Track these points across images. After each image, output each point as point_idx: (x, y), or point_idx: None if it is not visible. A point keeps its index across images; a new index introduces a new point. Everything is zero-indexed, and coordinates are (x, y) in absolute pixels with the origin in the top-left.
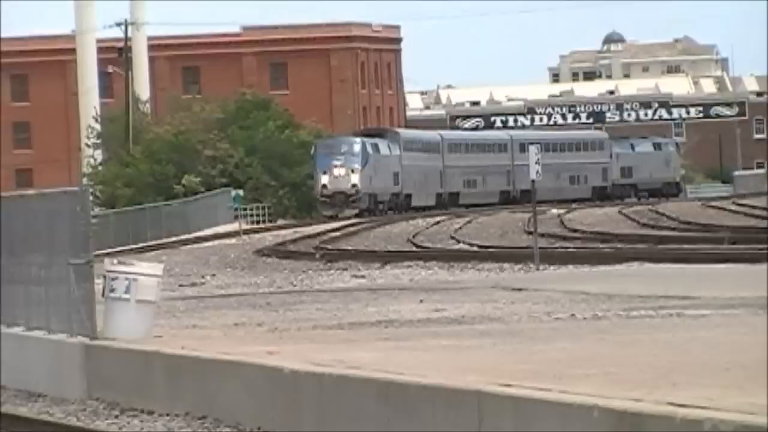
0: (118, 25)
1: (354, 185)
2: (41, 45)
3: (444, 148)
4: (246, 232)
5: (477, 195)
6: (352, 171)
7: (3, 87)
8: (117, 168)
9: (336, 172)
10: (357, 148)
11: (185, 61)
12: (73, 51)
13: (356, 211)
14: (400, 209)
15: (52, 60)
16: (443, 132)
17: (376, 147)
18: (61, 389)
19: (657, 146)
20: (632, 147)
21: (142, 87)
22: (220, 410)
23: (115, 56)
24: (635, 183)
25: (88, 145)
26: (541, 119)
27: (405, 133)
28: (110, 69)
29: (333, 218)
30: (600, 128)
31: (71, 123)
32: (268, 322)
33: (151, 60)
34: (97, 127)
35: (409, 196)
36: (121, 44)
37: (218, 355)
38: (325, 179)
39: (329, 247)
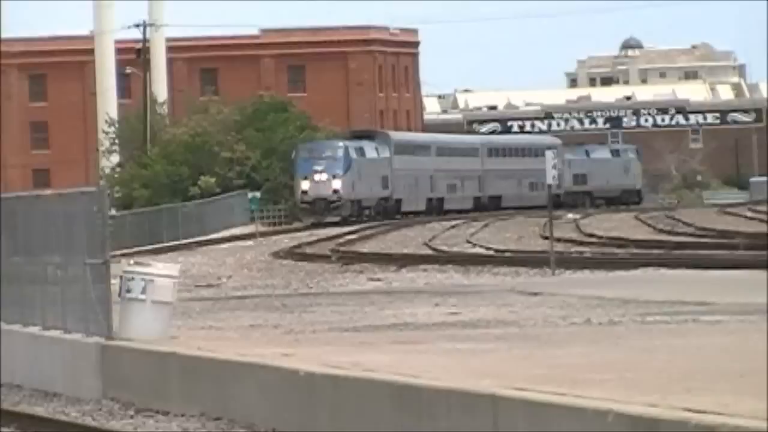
0: (137, 26)
1: (335, 191)
2: (60, 45)
3: (433, 151)
4: (262, 234)
5: (457, 200)
6: (334, 176)
7: (21, 87)
8: (134, 169)
9: (317, 177)
10: (339, 152)
11: (203, 62)
12: (91, 51)
13: (338, 218)
14: (390, 215)
15: (70, 60)
16: (433, 135)
17: (361, 151)
18: (76, 389)
19: (615, 153)
20: (587, 153)
21: (160, 88)
22: (235, 411)
23: (134, 57)
24: (590, 190)
25: (103, 150)
26: (558, 124)
27: (396, 135)
28: (128, 70)
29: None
30: (616, 134)
31: (89, 123)
32: (283, 324)
33: (169, 61)
34: (112, 130)
35: (399, 201)
36: (139, 45)
37: (234, 357)
38: (305, 185)
39: (345, 249)
